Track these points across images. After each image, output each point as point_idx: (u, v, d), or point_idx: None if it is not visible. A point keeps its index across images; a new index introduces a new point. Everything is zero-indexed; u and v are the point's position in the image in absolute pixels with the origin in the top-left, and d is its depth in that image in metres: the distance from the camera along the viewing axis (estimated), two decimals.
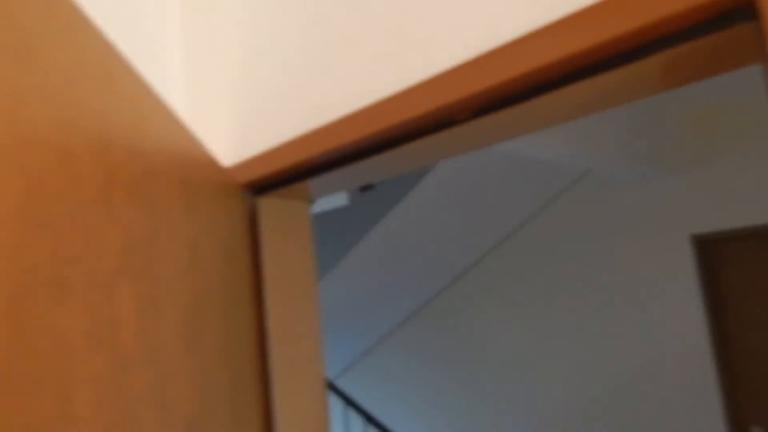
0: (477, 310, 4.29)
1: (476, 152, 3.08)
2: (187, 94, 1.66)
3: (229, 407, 1.08)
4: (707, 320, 3.30)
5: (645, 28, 0.53)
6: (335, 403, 4.62)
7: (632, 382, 3.65)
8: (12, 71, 0.46)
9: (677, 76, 0.63)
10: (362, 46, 1.15)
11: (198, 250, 1.02)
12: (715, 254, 3.33)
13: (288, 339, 1.54)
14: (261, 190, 1.53)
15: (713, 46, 0.55)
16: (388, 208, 3.34)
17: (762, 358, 3.14)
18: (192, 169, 1.04)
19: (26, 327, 0.45)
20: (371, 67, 1.12)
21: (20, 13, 0.48)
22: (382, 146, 1.12)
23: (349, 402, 3.42)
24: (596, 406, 3.81)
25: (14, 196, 0.44)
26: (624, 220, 3.66)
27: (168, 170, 0.89)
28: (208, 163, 1.18)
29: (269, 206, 1.57)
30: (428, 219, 3.46)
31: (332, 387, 3.56)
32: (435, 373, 4.42)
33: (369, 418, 3.37)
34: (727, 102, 3.30)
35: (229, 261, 1.28)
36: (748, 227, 3.17)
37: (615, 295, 3.71)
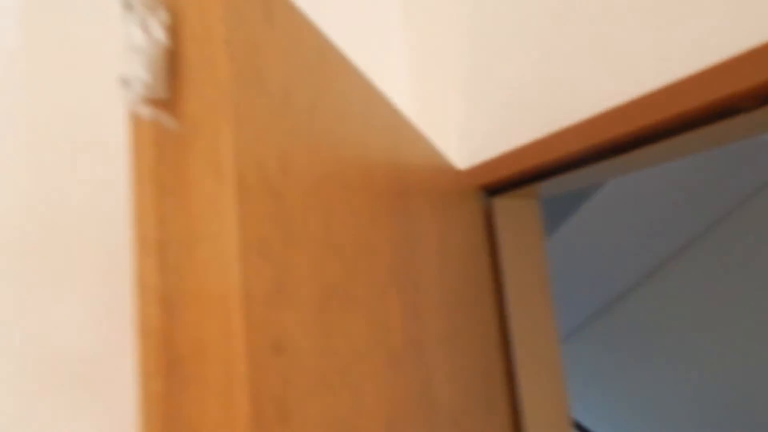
0: (678, 307, 3.81)
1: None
2: (415, 104, 1.76)
3: (483, 400, 1.14)
4: None
5: None
6: None
7: None
8: (307, 122, 0.56)
9: None
10: (608, 47, 1.12)
11: (445, 255, 1.10)
12: None
13: (528, 332, 1.56)
14: (495, 191, 1.58)
15: None
16: (577, 203, 3.13)
17: None
18: (436, 178, 1.11)
19: (330, 332, 0.54)
20: (619, 66, 1.08)
21: (309, 75, 0.58)
22: (621, 149, 1.09)
23: None
24: None
25: (317, 227, 0.54)
26: None
27: (418, 184, 0.98)
28: (448, 170, 1.26)
29: (503, 206, 1.61)
30: (623, 209, 3.18)
31: None
32: (625, 372, 4.04)
33: None
34: None
35: (470, 262, 1.34)
36: None
37: None
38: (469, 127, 1.62)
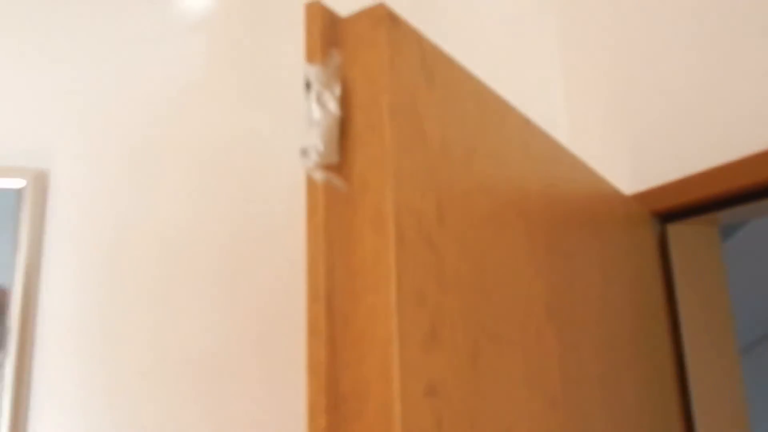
0: None
1: None
2: (575, 129, 1.71)
3: None
4: None
5: None
6: None
7: None
8: (463, 169, 0.59)
9: None
10: None
11: (609, 285, 1.06)
12: None
13: (707, 369, 1.44)
14: (670, 217, 1.49)
15: None
16: None
17: None
18: (599, 206, 1.08)
19: (482, 375, 0.57)
20: None
21: (466, 123, 0.61)
22: None
23: None
24: None
25: (470, 272, 0.57)
26: None
27: (578, 214, 0.96)
28: (614, 197, 1.21)
29: (680, 233, 1.51)
30: None
31: None
32: None
33: None
34: None
35: (640, 290, 1.28)
36: None
37: None
38: (638, 151, 1.54)
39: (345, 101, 0.54)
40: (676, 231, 1.52)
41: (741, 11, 1.29)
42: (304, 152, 0.50)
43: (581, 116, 1.70)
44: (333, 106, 0.52)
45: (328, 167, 0.52)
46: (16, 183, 0.94)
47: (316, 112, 0.51)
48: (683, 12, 1.40)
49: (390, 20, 0.54)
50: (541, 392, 0.70)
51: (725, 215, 1.45)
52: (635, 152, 1.56)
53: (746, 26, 1.28)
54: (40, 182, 0.94)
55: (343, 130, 0.53)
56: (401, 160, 0.52)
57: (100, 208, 0.96)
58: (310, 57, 0.54)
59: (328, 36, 0.55)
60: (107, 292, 0.93)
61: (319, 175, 0.51)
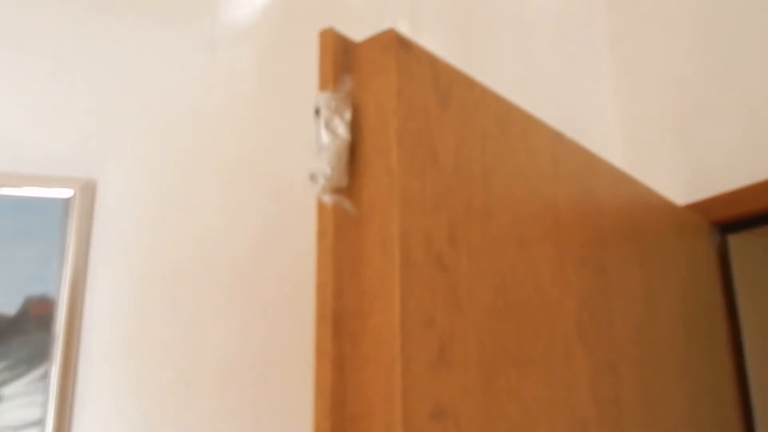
0: None
1: None
2: (626, 139, 1.66)
3: None
4: None
5: None
6: None
7: None
8: (481, 189, 0.59)
9: None
10: None
11: (654, 300, 1.03)
12: None
13: None
14: (730, 227, 1.43)
15: None
16: None
17: None
18: (644, 217, 1.05)
19: (498, 396, 0.57)
20: None
21: (486, 143, 0.61)
22: None
23: None
24: None
25: (487, 292, 0.57)
26: None
27: (619, 227, 0.94)
28: (663, 207, 1.17)
29: (739, 243, 1.44)
30: None
31: None
32: None
33: None
34: None
35: (695, 301, 1.23)
36: None
37: None
38: (698, 159, 1.48)
39: (355, 126, 0.55)
40: (736, 241, 1.45)
41: None
42: (312, 177, 0.52)
43: (637, 126, 1.65)
44: (343, 130, 0.53)
45: (337, 190, 0.53)
46: (64, 193, 0.97)
47: (325, 138, 0.52)
48: (742, 19, 1.35)
49: (399, 45, 0.55)
50: (569, 413, 0.69)
51: None
52: (694, 161, 1.50)
53: None
54: (88, 192, 0.96)
55: (353, 155, 0.54)
56: (409, 183, 0.53)
57: (147, 218, 1.00)
58: (323, 83, 0.55)
59: (341, 62, 0.56)
60: (151, 302, 0.97)
61: (328, 199, 0.53)
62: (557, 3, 1.63)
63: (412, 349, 0.49)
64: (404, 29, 1.40)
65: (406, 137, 0.53)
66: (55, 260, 0.91)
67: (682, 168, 1.53)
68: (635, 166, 1.62)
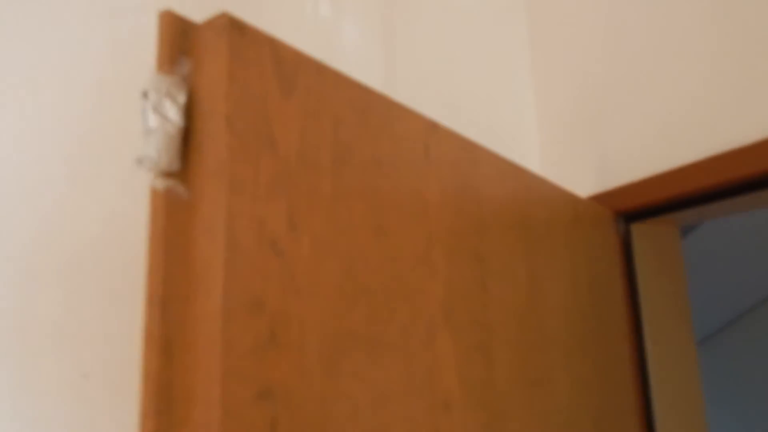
0: None
1: None
2: (542, 134, 1.71)
3: None
4: None
5: None
6: None
7: None
8: (330, 177, 0.60)
9: None
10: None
11: (543, 286, 1.06)
12: None
13: (666, 365, 1.44)
14: (630, 218, 1.49)
15: None
16: None
17: None
18: (533, 206, 1.08)
19: (342, 377, 0.58)
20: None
21: (339, 131, 0.62)
22: None
23: None
24: None
25: (333, 276, 0.58)
26: None
27: (500, 216, 0.97)
28: (558, 196, 1.21)
29: (642, 232, 1.50)
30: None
31: None
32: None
33: None
34: None
35: (591, 290, 1.28)
36: None
37: None
38: (604, 150, 1.54)
39: (190, 110, 0.55)
40: (640, 230, 1.52)
41: (702, 10, 1.29)
42: (138, 161, 0.52)
43: (551, 120, 1.70)
44: (174, 114, 0.54)
45: (169, 175, 0.54)
46: None
47: (152, 121, 0.52)
48: (645, 18, 1.40)
49: (233, 28, 0.55)
50: (429, 395, 0.71)
51: (685, 215, 1.46)
52: (603, 153, 1.56)
53: (707, 25, 1.28)
54: None
55: (186, 139, 0.55)
56: (240, 169, 0.53)
57: (33, 196, 0.94)
58: (159, 66, 0.55)
59: (179, 45, 0.56)
60: (39, 286, 0.94)
61: (159, 183, 0.53)
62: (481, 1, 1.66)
63: (235, 332, 0.50)
64: (325, 10, 1.40)
65: (239, 123, 0.54)
66: None
67: (592, 160, 1.59)
68: (551, 161, 1.68)
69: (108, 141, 1.01)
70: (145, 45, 1.05)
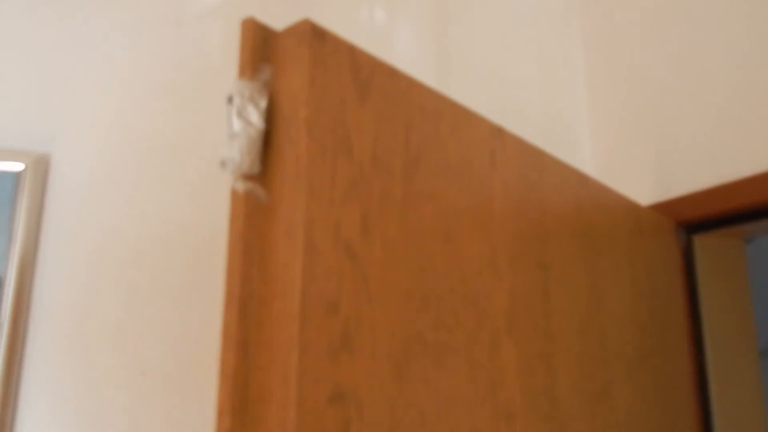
0: None
1: None
2: (596, 141, 1.67)
3: None
4: None
5: None
6: None
7: None
8: (401, 181, 0.61)
9: None
10: None
11: (604, 296, 1.04)
12: None
13: (728, 381, 1.38)
14: (693, 229, 1.45)
15: None
16: None
17: None
18: (596, 215, 1.06)
19: (409, 382, 0.58)
20: None
21: (410, 135, 0.62)
22: None
23: None
24: None
25: (402, 280, 0.58)
26: None
27: (564, 224, 0.95)
28: (621, 205, 1.19)
29: (704, 244, 1.45)
30: None
31: None
32: None
33: None
34: None
35: (653, 300, 1.25)
36: None
37: None
38: (666, 159, 1.50)
39: (270, 114, 0.56)
40: (702, 242, 1.47)
41: None
42: (222, 163, 0.53)
43: (605, 125, 1.66)
44: (256, 118, 0.55)
45: (250, 178, 0.55)
46: (15, 166, 0.92)
47: (236, 125, 0.53)
48: (713, 19, 1.36)
49: (314, 35, 0.56)
50: (492, 404, 0.71)
51: (751, 228, 1.41)
52: (663, 162, 1.52)
53: None
54: (41, 166, 0.93)
55: (267, 143, 0.56)
56: (318, 172, 0.54)
57: (101, 196, 0.98)
58: (241, 72, 0.57)
59: (260, 51, 0.57)
60: (105, 286, 0.97)
61: (240, 185, 0.54)
62: (534, 3, 1.64)
63: (311, 334, 0.51)
64: (380, 14, 1.41)
65: (317, 127, 0.55)
66: (3, 238, 0.90)
67: (652, 169, 1.55)
68: (606, 168, 1.64)
69: (173, 144, 1.04)
70: (209, 51, 1.09)
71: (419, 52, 1.46)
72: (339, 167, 0.56)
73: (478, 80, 1.52)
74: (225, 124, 0.54)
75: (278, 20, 0.60)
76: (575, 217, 1.00)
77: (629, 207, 1.23)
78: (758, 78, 1.25)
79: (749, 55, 1.27)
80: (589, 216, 1.04)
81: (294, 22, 0.57)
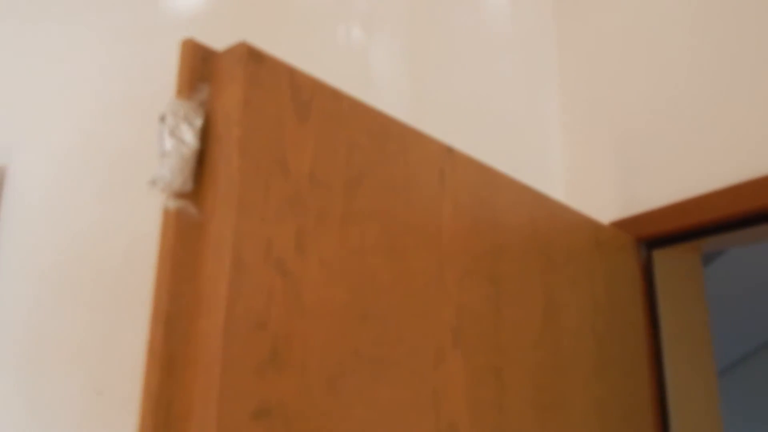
0: None
1: None
2: (568, 158, 1.65)
3: None
4: None
5: None
6: None
7: None
8: (341, 199, 0.58)
9: None
10: None
11: (560, 310, 1.02)
12: None
13: (685, 393, 1.35)
14: (653, 244, 1.43)
15: None
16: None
17: None
18: (552, 231, 1.04)
19: (344, 397, 0.55)
20: None
21: (352, 154, 0.60)
22: None
23: None
24: None
25: (341, 297, 0.55)
26: None
27: (517, 240, 0.93)
28: (578, 222, 1.16)
29: (663, 259, 1.43)
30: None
31: None
32: None
33: None
34: None
35: (611, 314, 1.22)
36: None
37: None
38: (628, 177, 1.48)
39: (206, 134, 0.54)
40: (660, 256, 1.45)
41: (729, 40, 1.24)
42: (152, 182, 0.51)
43: (575, 145, 1.64)
44: (190, 137, 0.52)
45: (183, 195, 0.52)
46: None
47: (168, 144, 0.51)
48: (674, 38, 1.35)
49: (249, 56, 0.54)
50: (434, 417, 0.68)
51: (707, 243, 1.38)
52: (626, 179, 1.50)
53: (730, 58, 1.22)
54: None
55: (201, 161, 0.53)
56: (250, 191, 0.52)
57: (59, 209, 0.92)
58: (178, 91, 0.55)
59: (198, 71, 0.55)
60: (60, 301, 0.92)
61: (171, 203, 0.51)
62: (511, 29, 1.62)
63: (236, 350, 0.48)
64: (357, 34, 1.39)
65: (251, 146, 0.52)
66: None
67: (616, 187, 1.53)
68: (576, 187, 1.62)
69: (133, 162, 0.99)
70: (170, 66, 1.03)
71: (393, 72, 1.43)
72: (273, 185, 0.54)
73: (451, 101, 1.50)
74: (156, 142, 0.51)
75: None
76: (530, 234, 0.97)
77: (588, 224, 1.21)
78: (715, 101, 1.24)
79: (711, 80, 1.26)
80: (545, 233, 1.02)
81: (232, 43, 0.55)
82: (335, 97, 0.62)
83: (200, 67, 0.55)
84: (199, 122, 0.53)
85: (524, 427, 0.86)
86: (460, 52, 1.54)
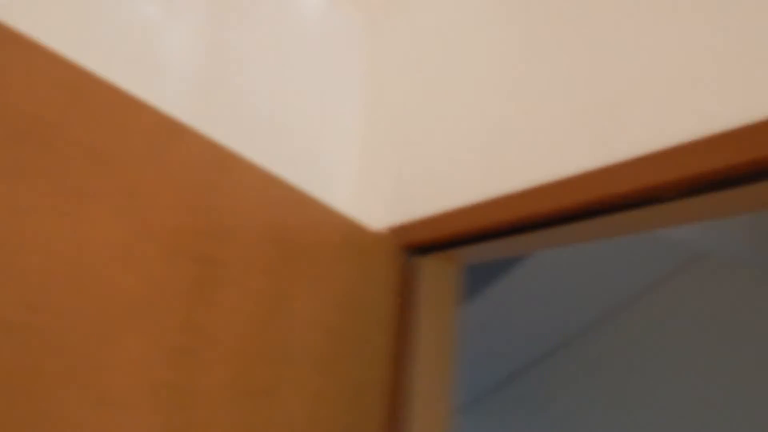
0: (569, 393, 3.55)
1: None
2: (360, 167, 1.71)
3: None
4: None
5: None
6: None
7: None
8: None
9: None
10: (553, 120, 1.09)
11: (287, 303, 1.04)
12: None
13: (426, 394, 1.45)
14: (417, 252, 1.51)
15: None
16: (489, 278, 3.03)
17: None
18: (298, 227, 1.06)
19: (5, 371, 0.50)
20: (554, 146, 1.06)
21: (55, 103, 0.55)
22: (548, 223, 1.09)
23: None
24: None
25: (133, 283, 0.50)
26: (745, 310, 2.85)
27: (248, 228, 0.93)
28: (334, 224, 1.20)
29: (422, 266, 1.53)
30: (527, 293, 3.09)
31: None
32: None
33: None
34: None
35: (355, 314, 1.27)
36: None
37: (732, 398, 2.80)
38: (400, 186, 1.57)
39: None
40: (419, 263, 1.54)
41: (504, 61, 1.35)
42: None
43: (366, 153, 1.70)
44: None
45: None
46: None
47: None
48: (462, 60, 1.45)
49: None
50: (95, 392, 0.65)
51: (467, 253, 1.48)
52: (400, 188, 1.58)
53: (510, 85, 1.33)
54: None
55: None
56: None
57: None
58: None
59: None
60: None
61: None
62: (320, 30, 1.64)
63: None
64: (149, 8, 1.30)
65: None
66: None
67: (391, 196, 1.60)
68: (356, 193, 1.68)
69: None
70: None
71: (189, 58, 1.37)
72: None
73: (248, 93, 1.47)
74: None
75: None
76: (264, 223, 0.98)
77: (346, 225, 1.26)
78: (481, 115, 1.35)
79: (479, 96, 1.37)
80: (284, 225, 1.04)
81: None
82: (13, 39, 0.57)
83: None
84: None
85: (220, 412, 0.86)
86: (264, 42, 1.52)
